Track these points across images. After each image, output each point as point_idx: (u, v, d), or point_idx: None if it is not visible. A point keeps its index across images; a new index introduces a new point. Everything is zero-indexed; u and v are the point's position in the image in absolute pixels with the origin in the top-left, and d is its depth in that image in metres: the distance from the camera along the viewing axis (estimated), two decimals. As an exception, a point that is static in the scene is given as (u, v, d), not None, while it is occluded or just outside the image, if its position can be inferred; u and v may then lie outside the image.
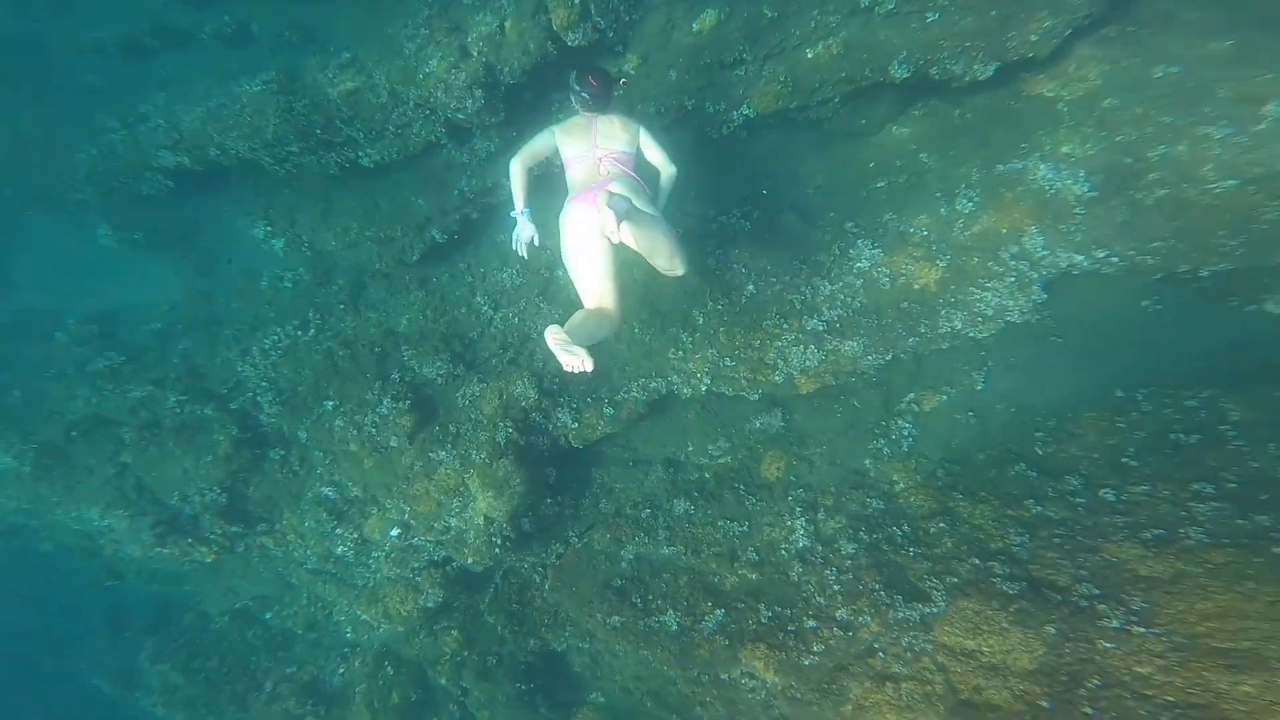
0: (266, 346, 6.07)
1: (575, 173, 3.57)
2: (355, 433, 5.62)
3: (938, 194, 5.04)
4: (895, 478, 4.88)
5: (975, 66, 4.74)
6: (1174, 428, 4.10)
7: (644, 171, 3.76)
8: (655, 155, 3.77)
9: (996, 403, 4.87)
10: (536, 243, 3.78)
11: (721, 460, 5.60)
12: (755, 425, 5.48)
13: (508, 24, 5.48)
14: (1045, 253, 4.70)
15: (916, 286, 4.89)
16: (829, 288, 5.10)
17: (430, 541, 5.84)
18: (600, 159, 3.54)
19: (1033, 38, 4.62)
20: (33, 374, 6.55)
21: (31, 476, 6.18)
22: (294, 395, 5.96)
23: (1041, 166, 4.71)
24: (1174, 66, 4.58)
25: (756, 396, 5.31)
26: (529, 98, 5.53)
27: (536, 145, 3.72)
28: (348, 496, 6.03)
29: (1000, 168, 4.84)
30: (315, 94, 5.48)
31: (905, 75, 4.90)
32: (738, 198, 5.66)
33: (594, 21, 5.09)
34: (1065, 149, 4.74)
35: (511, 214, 3.77)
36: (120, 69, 6.86)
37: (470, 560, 5.62)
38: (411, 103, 5.35)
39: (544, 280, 5.69)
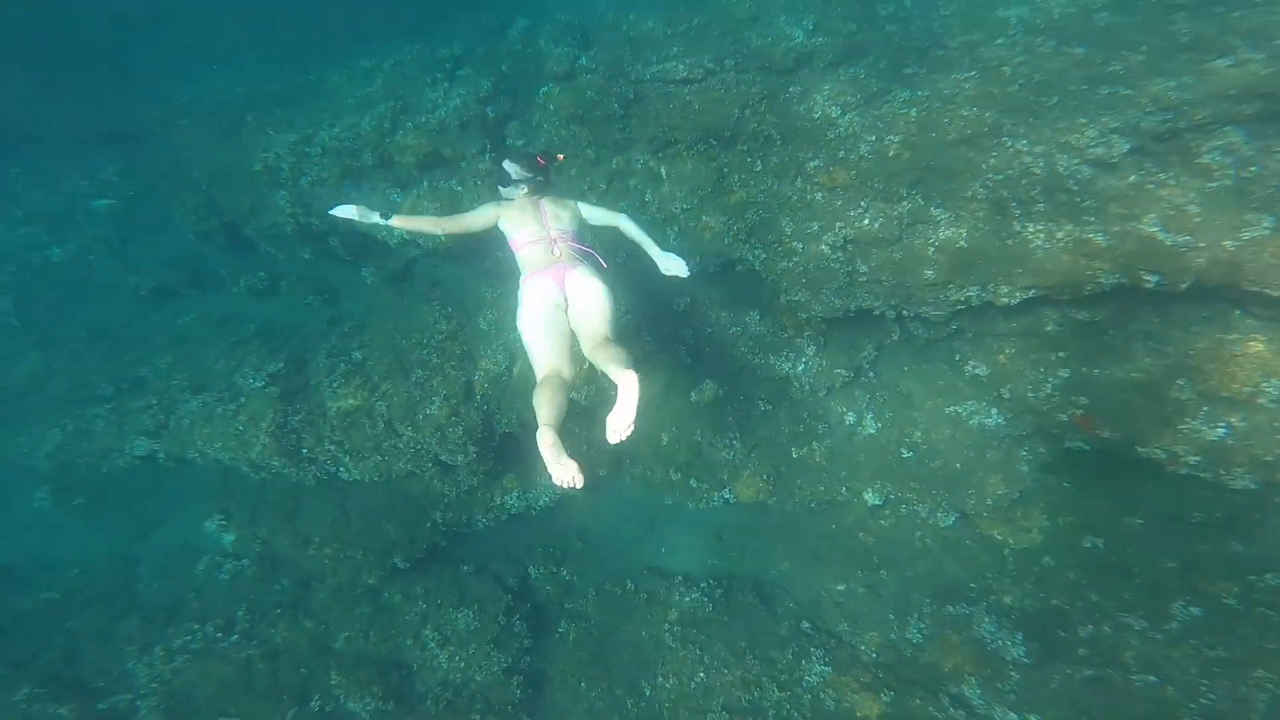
0: (175, 647, 5.47)
1: (528, 253, 3.68)
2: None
3: (890, 615, 5.28)
4: None
5: (939, 513, 5.24)
6: None
7: (586, 238, 3.83)
8: (601, 215, 3.95)
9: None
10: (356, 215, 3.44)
11: None
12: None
13: (515, 368, 5.86)
14: (981, 702, 4.87)
15: (859, 715, 4.95)
16: (778, 694, 5.11)
17: None
18: (554, 239, 3.68)
19: (989, 500, 5.18)
20: None
21: None
22: (186, 704, 5.26)
23: (986, 619, 5.01)
24: (1099, 539, 5.08)
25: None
26: (516, 450, 5.73)
27: (472, 219, 3.75)
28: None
29: (950, 609, 5.13)
30: (313, 406, 5.59)
31: (877, 503, 5.36)
32: (704, 568, 5.84)
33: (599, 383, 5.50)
34: (1008, 599, 5.07)
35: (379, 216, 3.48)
36: (141, 312, 6.94)
37: None
38: (405, 438, 5.51)
39: (499, 628, 5.54)
